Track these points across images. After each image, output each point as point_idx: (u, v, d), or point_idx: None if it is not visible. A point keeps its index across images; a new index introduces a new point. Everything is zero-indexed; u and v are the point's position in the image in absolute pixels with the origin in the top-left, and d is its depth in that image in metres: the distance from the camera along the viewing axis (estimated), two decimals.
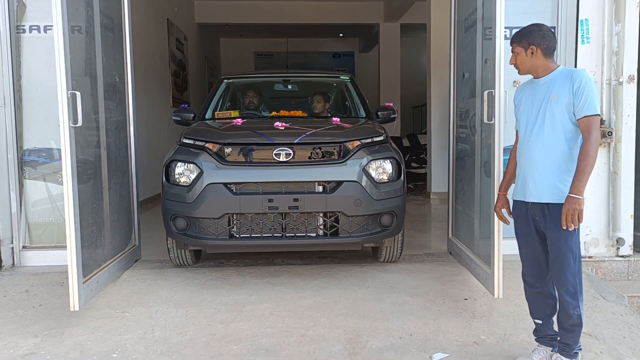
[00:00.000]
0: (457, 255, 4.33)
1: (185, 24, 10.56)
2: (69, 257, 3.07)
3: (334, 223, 3.67)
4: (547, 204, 2.76)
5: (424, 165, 9.97)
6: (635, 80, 4.19)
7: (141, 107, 6.32)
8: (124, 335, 3.19)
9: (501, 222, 3.13)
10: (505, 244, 3.26)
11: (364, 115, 4.83)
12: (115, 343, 3.10)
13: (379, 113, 4.64)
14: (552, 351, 2.89)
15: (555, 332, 2.89)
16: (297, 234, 3.65)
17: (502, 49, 3.20)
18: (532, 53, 2.81)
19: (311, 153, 3.71)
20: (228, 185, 3.58)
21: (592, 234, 4.31)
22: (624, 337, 3.22)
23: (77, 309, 3.12)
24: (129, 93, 4.31)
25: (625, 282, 4.24)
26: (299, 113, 4.68)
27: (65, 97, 3.01)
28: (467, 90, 4.10)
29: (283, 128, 3.86)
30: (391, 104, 4.82)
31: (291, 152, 3.65)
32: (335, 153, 3.73)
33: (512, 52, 2.89)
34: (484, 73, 3.58)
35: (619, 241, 4.28)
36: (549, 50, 2.83)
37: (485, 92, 3.35)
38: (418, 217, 6.80)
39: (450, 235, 4.57)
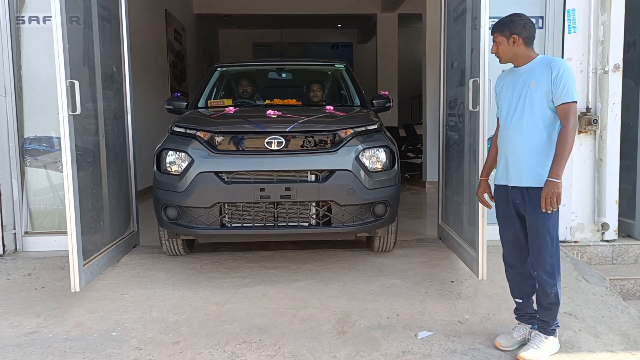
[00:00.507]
0: (446, 240, 4.45)
1: (183, 14, 10.63)
2: (70, 240, 3.19)
3: (326, 212, 3.64)
4: (527, 187, 2.88)
5: (419, 155, 10.09)
6: (621, 69, 4.30)
7: (139, 97, 6.42)
8: (123, 315, 3.33)
9: (485, 208, 3.26)
10: (491, 230, 3.36)
11: (359, 104, 4.80)
12: (114, 322, 3.24)
13: (374, 102, 4.60)
14: (531, 328, 3.02)
15: (535, 310, 3.02)
16: (289, 224, 3.61)
17: (487, 38, 3.30)
18: (513, 42, 2.92)
19: (303, 141, 3.67)
20: (219, 174, 3.54)
21: (577, 219, 4.44)
22: (603, 316, 3.35)
23: (77, 290, 3.25)
24: (127, 83, 4.43)
25: (610, 266, 4.37)
26: (293, 102, 4.68)
27: (64, 86, 3.12)
28: (455, 80, 4.21)
29: (275, 116, 3.82)
30: (386, 92, 4.77)
31: (283, 140, 3.60)
32: (328, 141, 3.69)
33: (493, 41, 2.99)
34: (471, 62, 3.68)
35: (604, 226, 4.40)
36: (530, 39, 2.94)
37: (471, 81, 3.46)
38: (413, 206, 6.93)
39: (440, 222, 4.69)
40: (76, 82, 3.24)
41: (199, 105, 4.77)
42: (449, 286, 3.70)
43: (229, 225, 3.63)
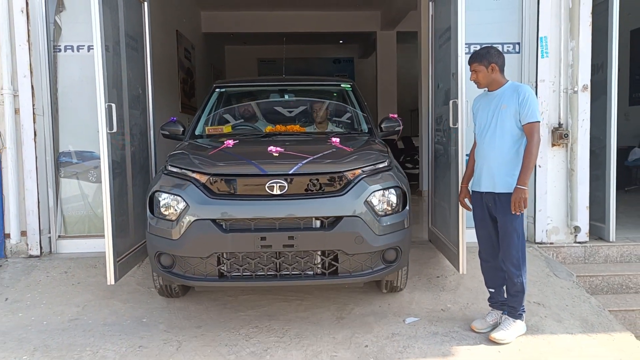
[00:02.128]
0: (434, 242, 4.96)
1: (192, 34, 11.23)
2: (106, 239, 3.70)
3: (332, 262, 3.35)
4: (498, 193, 3.42)
5: (417, 166, 10.62)
6: (589, 89, 4.83)
7: (155, 113, 6.98)
8: (151, 305, 3.86)
9: (465, 211, 3.79)
10: (470, 232, 3.84)
11: (366, 131, 4.52)
12: (144, 311, 3.77)
13: (382, 126, 4.37)
14: (502, 314, 3.53)
15: (505, 298, 3.53)
16: (292, 273, 3.35)
17: (464, 64, 3.82)
18: (492, 69, 3.47)
19: (308, 184, 3.35)
20: (217, 222, 3.25)
21: (552, 223, 4.94)
22: (567, 305, 3.85)
23: (113, 282, 3.76)
24: (150, 103, 4.99)
25: (582, 265, 4.86)
26: (297, 128, 4.41)
27: (104, 108, 3.67)
28: (440, 99, 4.74)
29: (277, 154, 3.49)
30: (395, 115, 4.48)
31: (285, 184, 3.30)
32: (334, 184, 3.38)
33: (471, 70, 3.53)
34: (452, 85, 4.22)
35: (576, 229, 4.90)
36: (503, 66, 3.49)
37: (451, 102, 3.99)
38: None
39: (430, 225, 5.20)
40: (113, 105, 3.79)
41: (197, 131, 4.49)
42: (434, 280, 4.22)
43: (227, 275, 3.36)
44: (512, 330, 3.42)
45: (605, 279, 4.57)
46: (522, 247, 3.42)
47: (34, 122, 4.71)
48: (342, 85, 5.05)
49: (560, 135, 4.81)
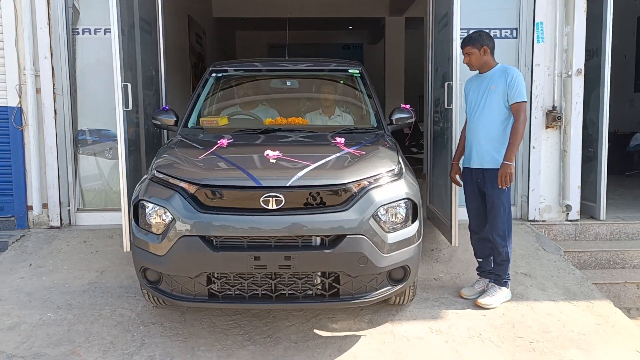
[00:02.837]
0: (432, 219, 5.21)
1: (203, 19, 11.45)
2: (123, 208, 3.98)
3: (333, 283, 3.00)
4: (486, 169, 3.66)
5: (422, 151, 10.82)
6: (583, 73, 5.01)
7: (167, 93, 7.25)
8: None
9: (457, 187, 4.03)
10: (464, 211, 4.05)
11: (375, 125, 4.09)
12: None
13: (393, 118, 4.03)
14: (489, 282, 3.78)
15: (492, 267, 3.78)
16: (289, 294, 3.00)
17: (458, 49, 4.03)
18: (484, 52, 3.69)
19: (307, 198, 2.98)
20: (206, 238, 2.91)
21: (545, 202, 5.16)
22: (552, 276, 4.10)
23: (128, 250, 4.06)
24: (162, 84, 5.25)
25: (573, 242, 5.09)
26: (299, 120, 4.06)
27: (120, 88, 3.94)
28: (438, 82, 4.95)
29: (274, 160, 3.12)
30: (407, 106, 4.11)
31: (282, 198, 2.92)
32: (337, 197, 2.99)
33: (464, 53, 3.75)
34: (448, 68, 4.43)
35: (568, 208, 5.12)
36: (493, 49, 3.71)
37: (446, 84, 4.22)
38: None
39: (428, 203, 5.44)
40: (129, 84, 4.05)
41: (190, 124, 4.07)
42: (429, 253, 4.47)
43: (218, 295, 3.02)
44: (497, 296, 3.68)
45: (593, 254, 4.80)
46: (508, 220, 3.67)
47: (54, 101, 5.00)
48: (349, 70, 4.54)
49: (554, 117, 5.01)
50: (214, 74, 4.47)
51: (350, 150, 3.32)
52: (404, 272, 3.11)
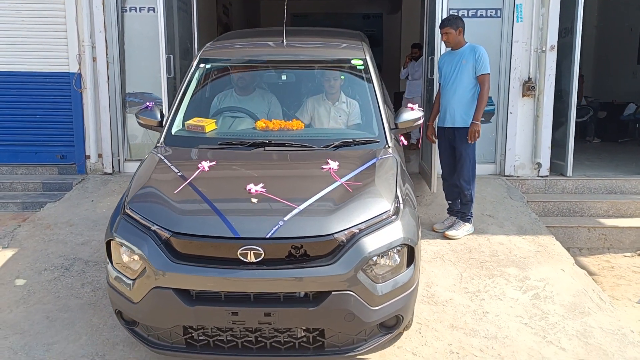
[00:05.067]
0: (422, 173, 6.12)
1: None
2: None
3: (318, 337, 2.77)
4: (457, 127, 4.55)
5: None
6: (555, 49, 5.79)
7: None
8: None
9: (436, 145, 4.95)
10: None
11: (376, 135, 3.56)
12: None
13: (398, 122, 3.64)
14: (456, 219, 4.72)
15: (459, 208, 4.71)
16: (271, 345, 2.78)
17: (437, 28, 4.86)
18: (459, 32, 4.54)
19: (289, 251, 2.69)
20: (180, 291, 2.68)
21: (520, 160, 6.03)
22: (511, 217, 5.02)
23: None
24: (196, 54, 6.20)
25: (542, 194, 5.96)
26: (295, 125, 3.65)
27: (164, 59, 4.91)
28: (429, 57, 5.79)
29: (256, 200, 2.82)
30: (414, 107, 3.75)
31: (262, 251, 2.64)
32: (322, 248, 2.69)
33: (442, 33, 4.60)
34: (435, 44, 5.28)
35: (539, 165, 5.98)
36: (464, 29, 4.55)
37: (429, 57, 5.08)
38: (412, 155, 8.57)
39: (420, 160, 6.36)
40: (171, 56, 5.03)
41: (175, 128, 3.68)
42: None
43: (196, 344, 2.83)
44: (461, 230, 4.62)
45: (556, 204, 5.68)
46: (473, 168, 4.58)
47: (107, 69, 6.02)
48: (352, 61, 3.94)
49: (529, 87, 5.83)
50: (202, 64, 4.03)
51: (343, 181, 2.97)
52: (397, 320, 2.84)
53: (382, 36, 17.60)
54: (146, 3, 6.02)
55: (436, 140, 4.84)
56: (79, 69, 6.02)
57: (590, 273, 4.69)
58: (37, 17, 5.99)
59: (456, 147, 4.58)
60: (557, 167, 6.13)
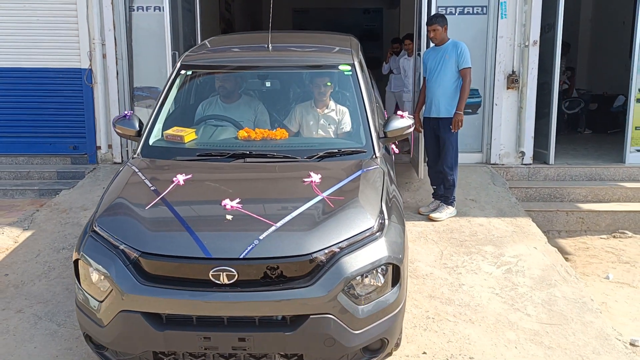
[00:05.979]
0: (412, 161, 6.49)
1: None
2: None
3: None
4: (442, 117, 4.93)
5: None
6: (538, 44, 6.13)
7: None
8: None
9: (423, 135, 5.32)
10: None
11: (363, 145, 3.39)
12: None
13: (387, 131, 3.45)
14: (440, 202, 5.11)
15: (443, 192, 5.09)
16: None
17: (424, 25, 5.23)
18: (444, 30, 4.91)
19: (264, 271, 2.53)
20: (148, 315, 2.54)
21: (505, 149, 6.39)
22: (492, 201, 5.40)
23: None
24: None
25: (526, 181, 6.32)
26: (277, 134, 3.47)
27: (170, 55, 5.30)
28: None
29: (231, 217, 2.66)
30: (404, 114, 3.58)
31: (235, 272, 2.49)
32: (300, 269, 2.54)
33: (429, 30, 4.96)
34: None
35: (523, 154, 6.35)
36: (447, 27, 4.91)
37: (417, 53, 5.44)
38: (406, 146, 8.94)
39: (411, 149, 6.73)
40: (177, 52, 5.41)
41: (153, 139, 3.52)
42: (403, 185, 5.80)
43: None
44: (445, 212, 5.00)
45: (537, 190, 6.05)
46: (455, 155, 4.97)
47: (117, 64, 6.41)
48: (340, 67, 3.76)
49: (513, 80, 6.19)
50: (183, 71, 3.82)
51: (325, 196, 2.80)
52: (382, 343, 2.70)
53: (382, 30, 17.93)
54: (153, 2, 6.39)
55: (422, 130, 5.21)
56: (90, 65, 6.42)
57: (566, 253, 5.09)
58: (51, 16, 6.40)
59: (440, 135, 4.96)
60: (540, 156, 6.48)
